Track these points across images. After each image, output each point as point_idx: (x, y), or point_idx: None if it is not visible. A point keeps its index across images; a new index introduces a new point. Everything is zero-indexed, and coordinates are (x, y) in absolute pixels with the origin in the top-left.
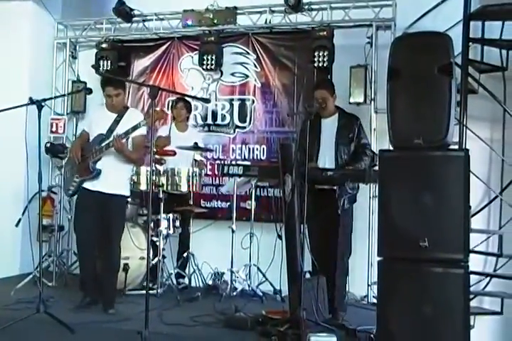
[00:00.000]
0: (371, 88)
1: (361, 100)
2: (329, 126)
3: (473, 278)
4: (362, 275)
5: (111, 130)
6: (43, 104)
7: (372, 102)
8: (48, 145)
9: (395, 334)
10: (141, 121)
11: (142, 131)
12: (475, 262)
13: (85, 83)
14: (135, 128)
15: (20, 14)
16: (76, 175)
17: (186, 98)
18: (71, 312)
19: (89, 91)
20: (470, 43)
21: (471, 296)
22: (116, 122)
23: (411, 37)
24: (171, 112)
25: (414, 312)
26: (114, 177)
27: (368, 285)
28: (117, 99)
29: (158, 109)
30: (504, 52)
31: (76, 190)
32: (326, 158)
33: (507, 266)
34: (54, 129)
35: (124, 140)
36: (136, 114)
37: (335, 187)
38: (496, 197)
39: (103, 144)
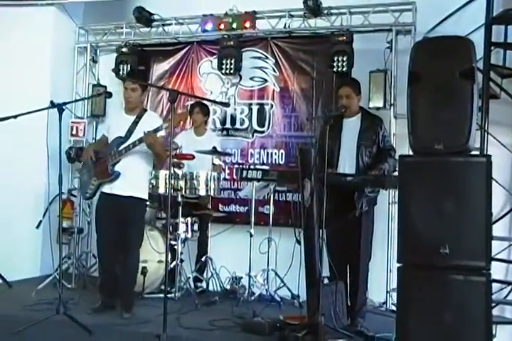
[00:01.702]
0: (391, 93)
1: (381, 105)
2: (352, 126)
3: (494, 286)
4: (381, 281)
5: (130, 132)
6: (63, 107)
7: (392, 107)
8: (70, 151)
9: None
10: (162, 124)
11: (162, 133)
12: (496, 270)
13: (105, 87)
14: (156, 130)
15: (43, 19)
16: (94, 177)
17: (203, 102)
18: (90, 314)
19: (110, 95)
20: (492, 48)
21: (493, 305)
22: (135, 124)
23: (432, 41)
24: (189, 117)
25: (434, 320)
26: (131, 180)
27: (387, 291)
28: (133, 93)
29: (179, 111)
30: None
31: (94, 192)
32: (347, 160)
33: None
34: (74, 132)
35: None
36: (154, 117)
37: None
38: None
39: (123, 146)
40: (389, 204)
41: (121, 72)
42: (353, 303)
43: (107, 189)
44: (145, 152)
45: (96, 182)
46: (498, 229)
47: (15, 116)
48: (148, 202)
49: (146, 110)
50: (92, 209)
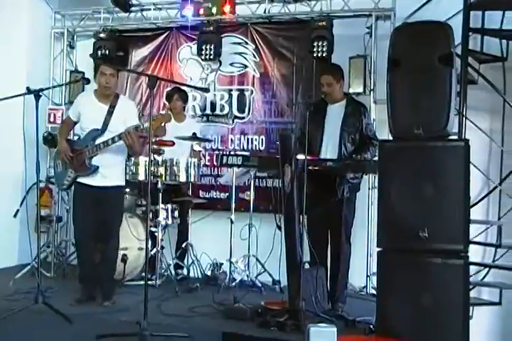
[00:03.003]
0: (370, 78)
1: (360, 90)
2: (335, 112)
3: (472, 268)
4: (361, 265)
5: (105, 124)
6: (40, 93)
7: (372, 93)
8: (46, 134)
9: (395, 325)
10: (143, 123)
11: (135, 122)
12: (474, 253)
13: (83, 73)
14: (136, 128)
15: (18, 4)
16: (70, 170)
17: (182, 88)
18: (72, 305)
19: (87, 81)
20: (470, 33)
21: (470, 287)
22: (110, 114)
23: (411, 27)
24: (168, 104)
25: (413, 302)
26: (110, 170)
27: (367, 275)
28: (111, 79)
29: (163, 112)
30: (504, 42)
31: (70, 184)
32: (329, 146)
33: (506, 256)
34: (52, 119)
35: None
36: (128, 104)
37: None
38: (496, 187)
39: (101, 141)
40: (369, 189)
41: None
42: (333, 288)
43: (85, 180)
44: (121, 145)
45: (73, 174)
46: (475, 213)
47: None
48: (128, 190)
49: (118, 96)
50: (70, 198)
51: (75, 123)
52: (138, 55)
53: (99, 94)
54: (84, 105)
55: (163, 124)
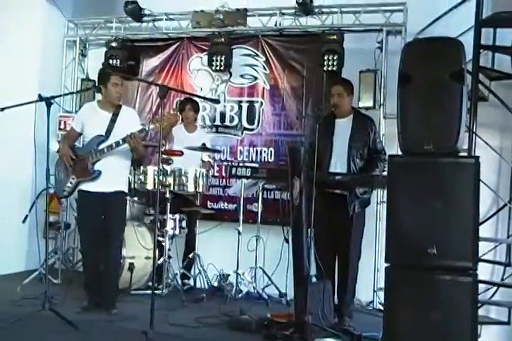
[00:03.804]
0: (380, 93)
1: (370, 105)
2: (343, 127)
3: (480, 286)
4: (368, 280)
5: (109, 130)
6: (51, 101)
7: (381, 107)
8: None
9: None
10: (147, 126)
11: (138, 127)
12: (482, 271)
13: (94, 81)
14: (141, 131)
15: (32, 12)
16: (72, 176)
17: (194, 98)
18: (79, 313)
19: (98, 89)
20: (481, 50)
21: (478, 305)
22: (113, 121)
23: (422, 42)
24: (179, 114)
25: (421, 319)
26: (113, 176)
27: (374, 291)
28: (121, 90)
29: (170, 112)
30: None
31: (72, 190)
32: (338, 161)
33: None
34: (62, 127)
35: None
36: (130, 112)
37: (345, 192)
38: (505, 205)
39: (105, 145)
40: (377, 204)
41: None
42: (341, 302)
43: (87, 187)
44: (124, 149)
45: (74, 180)
46: (484, 230)
47: (2, 109)
48: (135, 198)
49: (120, 106)
50: None
51: (80, 134)
52: (149, 64)
53: (104, 104)
54: (88, 115)
55: (170, 126)
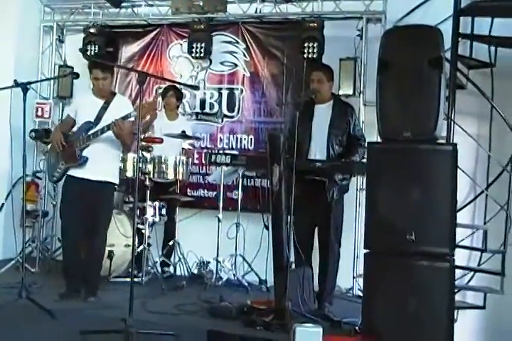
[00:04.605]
0: (360, 80)
1: (350, 92)
2: (323, 113)
3: (457, 272)
4: (348, 267)
5: (99, 117)
6: (28, 86)
7: (361, 95)
8: (33, 134)
9: (380, 327)
10: (131, 112)
11: (131, 118)
12: (460, 256)
13: (72, 68)
14: (125, 118)
15: None
16: (62, 161)
17: (177, 86)
18: (56, 301)
19: (76, 75)
20: (460, 39)
21: (455, 290)
22: (104, 109)
23: (401, 30)
24: (162, 100)
25: (399, 305)
26: (101, 165)
27: (354, 277)
28: (104, 82)
29: (149, 100)
30: (493, 48)
31: (61, 176)
32: (318, 147)
33: (491, 260)
34: (40, 114)
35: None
36: (123, 101)
37: (324, 179)
38: (482, 192)
39: (91, 132)
40: (356, 190)
41: (88, 53)
42: (321, 289)
43: (75, 173)
44: (114, 138)
45: (64, 165)
46: (462, 217)
47: None
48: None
49: (115, 94)
50: (57, 192)
51: (75, 121)
52: (128, 51)
53: (95, 93)
54: (81, 102)
55: (150, 115)
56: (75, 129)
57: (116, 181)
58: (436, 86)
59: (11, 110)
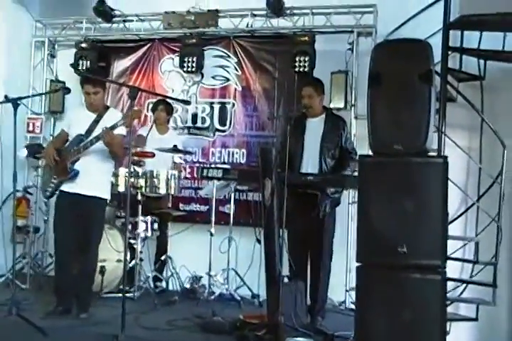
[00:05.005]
0: (352, 94)
1: (341, 106)
2: (315, 127)
3: (449, 284)
4: (340, 280)
5: (90, 130)
6: (18, 102)
7: (353, 108)
8: (25, 153)
9: (373, 340)
10: (118, 121)
11: (121, 131)
12: (452, 269)
13: (64, 83)
14: (113, 127)
15: None
16: (54, 176)
17: (167, 100)
18: (42, 319)
19: (68, 90)
20: (449, 52)
21: (448, 302)
22: (96, 122)
23: (392, 43)
24: (152, 114)
25: (392, 317)
26: (92, 179)
27: (346, 290)
28: (96, 97)
29: (135, 108)
30: (482, 61)
31: (53, 191)
32: (310, 161)
33: (483, 272)
34: (31, 129)
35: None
36: (116, 114)
37: (317, 192)
38: (473, 204)
39: (81, 144)
40: (348, 204)
41: (80, 68)
42: (313, 303)
43: (66, 187)
44: (105, 150)
45: (56, 180)
46: (453, 229)
47: None
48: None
49: (108, 107)
50: (49, 208)
51: (69, 136)
52: (120, 65)
53: (88, 107)
54: (74, 116)
55: (139, 123)
56: (67, 144)
57: (108, 197)
58: (426, 99)
59: (1, 125)
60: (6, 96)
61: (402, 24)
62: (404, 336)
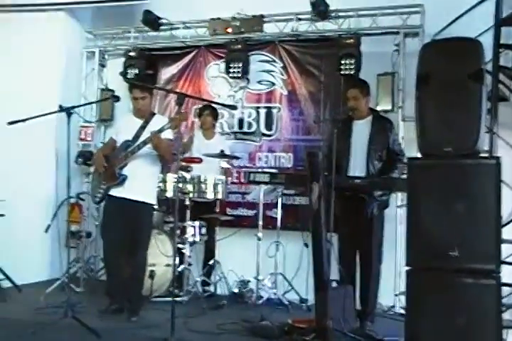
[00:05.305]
0: (399, 96)
1: (389, 108)
2: (361, 129)
3: (504, 290)
4: (389, 284)
5: (137, 136)
6: (71, 111)
7: (400, 110)
8: (80, 160)
9: None
10: (165, 124)
11: (168, 135)
12: (506, 273)
13: (113, 91)
14: (160, 130)
15: (52, 24)
16: (103, 181)
17: (213, 105)
18: (98, 317)
19: (117, 99)
20: (501, 49)
21: (503, 309)
22: (142, 128)
23: (440, 43)
24: (198, 120)
25: (443, 323)
26: (139, 183)
27: (395, 295)
28: (143, 102)
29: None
30: None
31: (103, 196)
32: (357, 164)
33: None
34: (83, 136)
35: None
36: (162, 120)
37: (364, 195)
38: None
39: (129, 149)
40: (397, 207)
41: (128, 76)
42: (363, 307)
43: (114, 192)
44: (152, 155)
45: (104, 186)
46: (507, 233)
47: (24, 120)
48: (156, 206)
49: (154, 114)
50: (100, 213)
51: (116, 143)
52: (167, 72)
53: (135, 113)
54: (123, 123)
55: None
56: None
57: (154, 201)
58: (477, 99)
59: (56, 134)
60: (60, 106)
61: (451, 23)
62: None
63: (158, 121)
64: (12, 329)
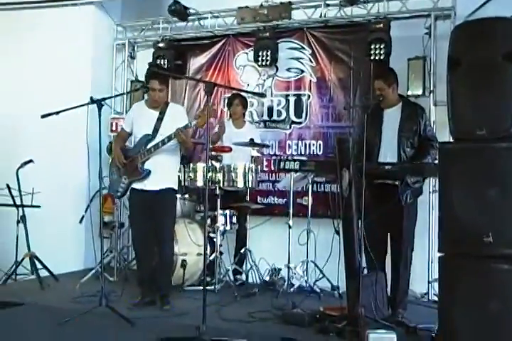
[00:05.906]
0: (430, 80)
1: (420, 92)
2: (392, 116)
3: None
4: (422, 271)
5: (156, 129)
6: (102, 103)
7: (432, 94)
8: (108, 144)
9: (458, 333)
10: (191, 121)
11: (185, 120)
12: None
13: (143, 82)
14: (186, 127)
15: (83, 18)
16: (124, 176)
17: (242, 94)
18: (130, 309)
19: (147, 89)
20: None
21: None
22: (160, 120)
23: (472, 24)
24: (228, 109)
25: (477, 309)
26: (162, 175)
27: (429, 282)
28: (161, 94)
29: (213, 106)
30: None
31: (125, 191)
32: (389, 151)
33: None
34: (114, 128)
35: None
36: (177, 109)
37: (396, 182)
38: None
39: (152, 144)
40: (429, 193)
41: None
42: (394, 294)
43: (138, 185)
44: (172, 147)
45: (127, 180)
46: None
47: (57, 113)
48: (186, 195)
49: (168, 103)
50: None
51: (130, 134)
52: (196, 62)
53: (149, 104)
54: (136, 114)
55: (219, 128)
56: (133, 143)
57: (176, 186)
58: (510, 80)
59: (87, 126)
60: (91, 98)
61: (484, 3)
62: (491, 329)
63: (172, 110)
64: (50, 316)
